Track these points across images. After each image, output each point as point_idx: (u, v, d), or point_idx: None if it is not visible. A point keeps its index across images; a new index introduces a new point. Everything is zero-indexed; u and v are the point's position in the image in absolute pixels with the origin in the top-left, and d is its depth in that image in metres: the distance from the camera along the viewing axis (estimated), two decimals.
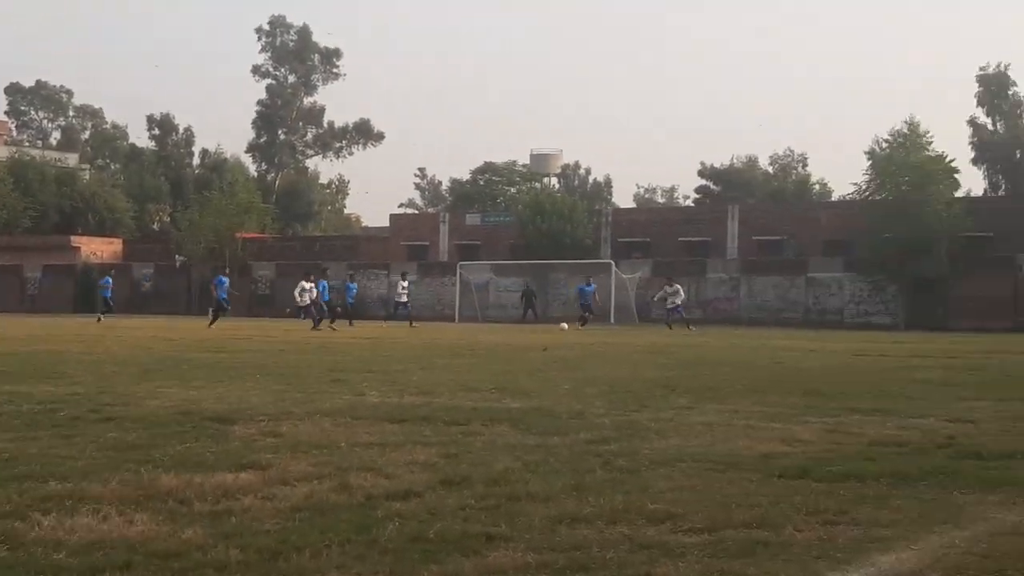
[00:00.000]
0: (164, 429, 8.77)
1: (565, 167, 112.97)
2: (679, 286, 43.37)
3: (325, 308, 39.18)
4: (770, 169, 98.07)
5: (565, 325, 39.78)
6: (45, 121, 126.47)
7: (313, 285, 38.37)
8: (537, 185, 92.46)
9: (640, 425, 9.45)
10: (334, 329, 35.63)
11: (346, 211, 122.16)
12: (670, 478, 6.87)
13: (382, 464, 7.14)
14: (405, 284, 45.59)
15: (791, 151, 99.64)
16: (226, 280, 40.75)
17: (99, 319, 42.79)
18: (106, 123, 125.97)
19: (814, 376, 16.06)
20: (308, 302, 37.89)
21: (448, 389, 12.83)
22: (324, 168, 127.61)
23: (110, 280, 49.09)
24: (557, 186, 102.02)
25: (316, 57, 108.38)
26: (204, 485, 6.27)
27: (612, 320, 50.42)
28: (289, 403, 10.86)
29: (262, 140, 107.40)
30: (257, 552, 4.85)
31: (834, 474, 6.99)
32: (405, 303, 44.28)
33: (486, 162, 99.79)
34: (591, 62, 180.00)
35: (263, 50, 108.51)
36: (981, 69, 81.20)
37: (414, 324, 42.10)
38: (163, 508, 5.72)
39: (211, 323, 36.53)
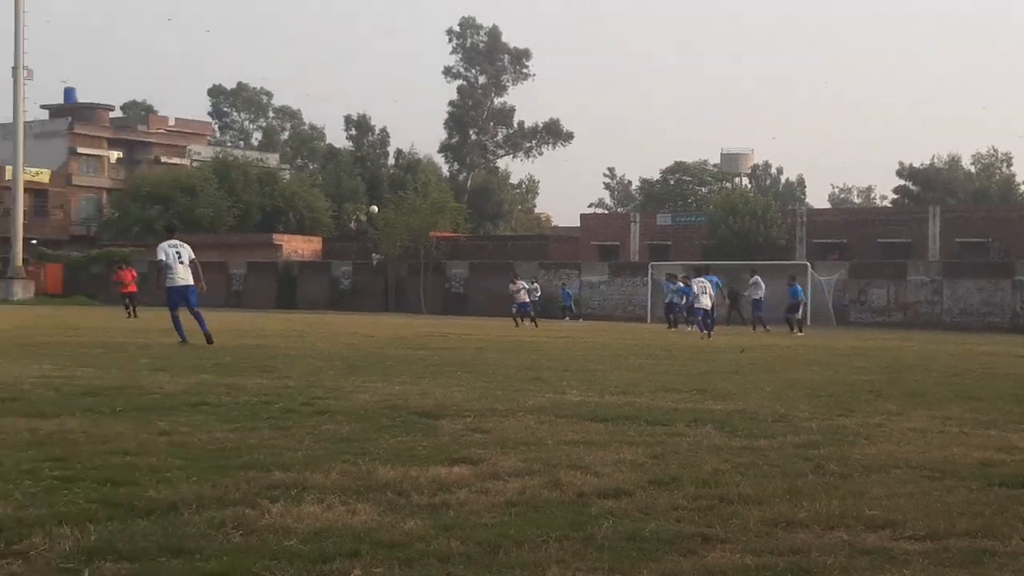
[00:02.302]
0: (375, 423, 8.99)
1: (756, 167, 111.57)
2: (758, 277, 40.19)
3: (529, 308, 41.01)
4: (972, 169, 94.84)
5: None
6: (246, 122, 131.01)
7: (524, 284, 40.88)
8: (728, 185, 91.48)
9: (848, 430, 9.26)
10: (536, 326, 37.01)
11: (536, 210, 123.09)
12: (885, 484, 6.72)
13: (590, 462, 7.18)
14: (524, 285, 44.24)
15: (995, 150, 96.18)
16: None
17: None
18: (304, 124, 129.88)
19: None
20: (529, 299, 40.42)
21: (648, 389, 12.80)
22: (515, 168, 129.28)
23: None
24: (748, 186, 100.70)
25: (506, 58, 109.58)
26: (420, 478, 6.41)
27: (808, 322, 49.47)
28: (492, 400, 11.00)
29: (454, 140, 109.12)
30: (477, 544, 4.94)
31: None
32: (525, 303, 43.31)
33: (676, 162, 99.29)
34: (783, 60, 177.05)
35: (454, 51, 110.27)
36: None
37: (528, 323, 41.37)
38: (383, 499, 5.88)
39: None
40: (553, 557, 4.79)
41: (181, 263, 20.80)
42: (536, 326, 39.65)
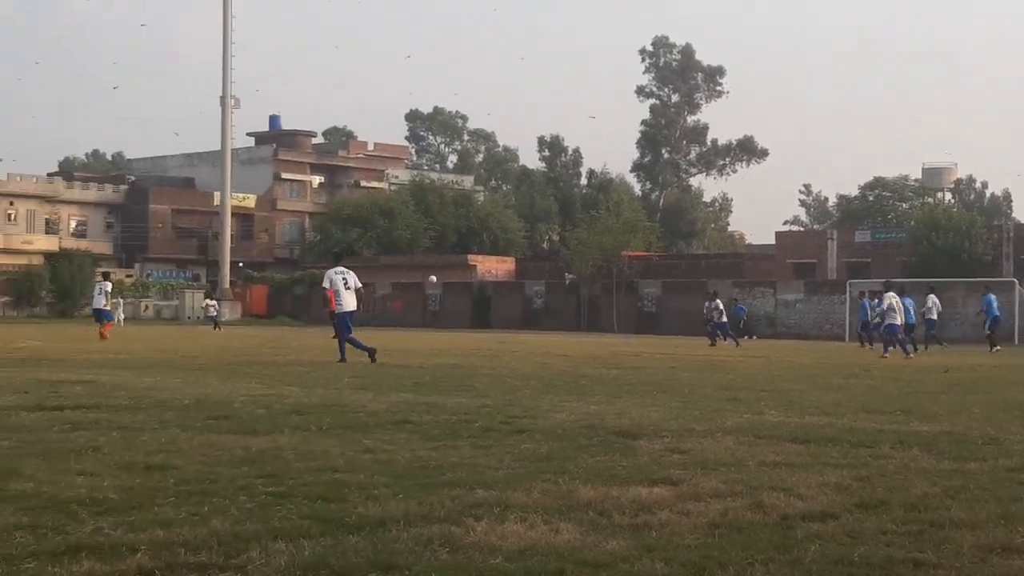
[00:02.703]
0: (573, 442, 9.03)
1: (959, 181, 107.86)
2: (934, 296, 38.81)
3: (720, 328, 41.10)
4: None
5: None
6: (442, 145, 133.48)
7: (719, 304, 41.01)
8: (930, 200, 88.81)
9: None
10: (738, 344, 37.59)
11: (730, 228, 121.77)
12: None
13: (793, 484, 7.06)
14: (720, 304, 43.18)
15: None
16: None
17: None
18: (498, 146, 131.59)
19: None
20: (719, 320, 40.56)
21: (849, 410, 12.51)
22: (707, 186, 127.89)
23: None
24: (951, 201, 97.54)
25: (699, 76, 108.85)
26: (620, 498, 6.42)
27: (1016, 341, 47.60)
28: (689, 420, 10.92)
29: (646, 159, 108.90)
30: (681, 566, 4.92)
31: None
32: (723, 323, 42.50)
33: (876, 177, 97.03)
34: (986, 73, 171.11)
35: (647, 71, 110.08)
36: None
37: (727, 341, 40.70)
38: (584, 519, 5.90)
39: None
40: None
41: (347, 289, 21.58)
42: (737, 345, 39.18)
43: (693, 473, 7.44)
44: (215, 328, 52.93)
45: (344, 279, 21.55)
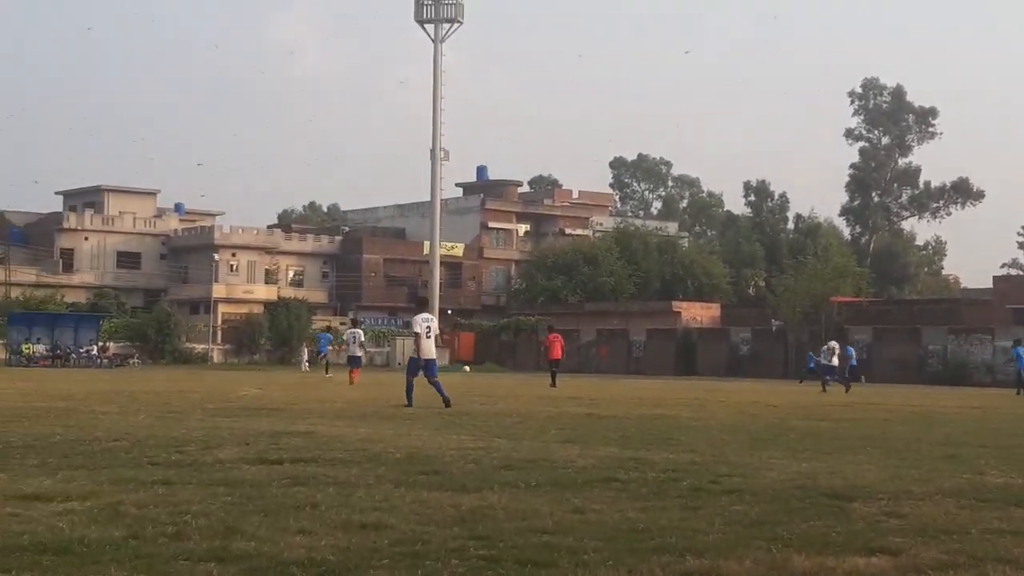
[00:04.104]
0: (784, 504, 8.84)
1: None
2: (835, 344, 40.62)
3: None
4: None
5: None
6: (646, 192, 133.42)
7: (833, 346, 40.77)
8: None
9: None
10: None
11: (944, 272, 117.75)
12: None
13: (1020, 555, 6.76)
14: (834, 347, 41.67)
15: None
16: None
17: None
18: (703, 192, 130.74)
19: None
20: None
21: None
22: (920, 229, 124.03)
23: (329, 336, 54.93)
24: None
25: (911, 117, 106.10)
26: (837, 569, 6.26)
27: None
28: (907, 480, 10.57)
29: (855, 203, 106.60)
30: None
31: None
32: (835, 366, 41.00)
33: None
34: None
35: (856, 113, 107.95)
36: None
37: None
38: None
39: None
40: None
41: (429, 337, 21.94)
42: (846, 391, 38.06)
43: (912, 541, 7.20)
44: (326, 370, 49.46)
45: (428, 327, 22.02)
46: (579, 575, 5.93)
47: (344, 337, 42.67)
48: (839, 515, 8.37)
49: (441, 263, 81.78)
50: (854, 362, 40.64)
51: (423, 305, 24.28)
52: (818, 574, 6.12)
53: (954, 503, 9.05)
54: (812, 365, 49.46)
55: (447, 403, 21.10)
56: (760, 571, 6.19)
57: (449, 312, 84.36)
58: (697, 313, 78.78)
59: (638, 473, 10.68)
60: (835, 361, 40.44)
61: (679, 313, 77.43)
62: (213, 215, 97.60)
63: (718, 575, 6.04)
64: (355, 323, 41.74)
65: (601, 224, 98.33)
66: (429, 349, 21.96)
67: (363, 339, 39.58)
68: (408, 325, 23.16)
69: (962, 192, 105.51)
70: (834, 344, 41.37)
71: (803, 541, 7.14)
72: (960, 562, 6.56)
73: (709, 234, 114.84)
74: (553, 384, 36.77)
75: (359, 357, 38.09)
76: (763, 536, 7.28)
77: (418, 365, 21.95)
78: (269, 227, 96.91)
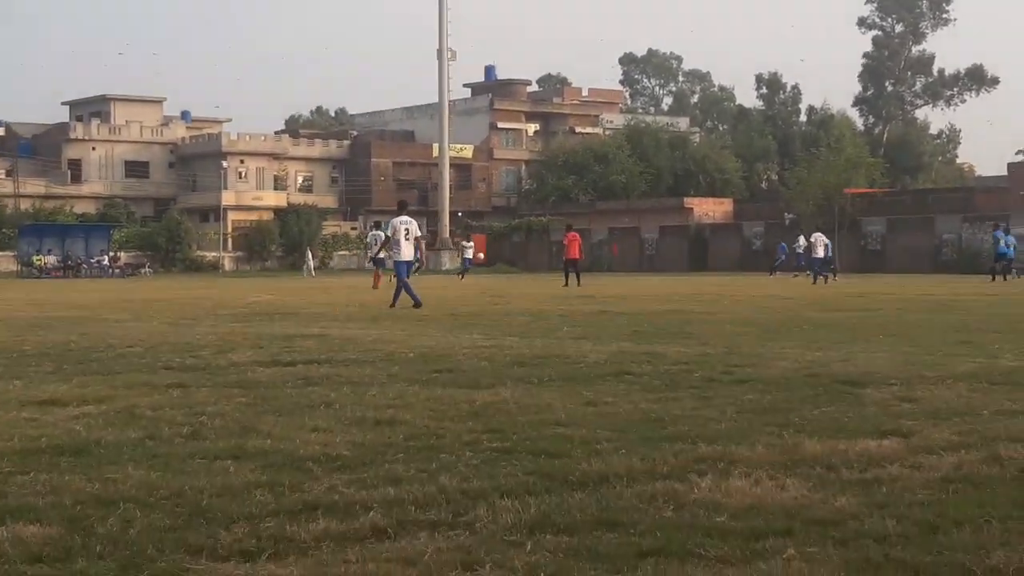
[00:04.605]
0: (796, 392, 8.86)
1: None
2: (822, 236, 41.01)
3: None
4: None
5: None
6: (656, 88, 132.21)
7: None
8: None
9: None
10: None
11: (958, 161, 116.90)
12: None
13: None
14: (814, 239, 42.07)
15: None
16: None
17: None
18: (714, 86, 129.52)
19: None
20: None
21: None
22: (934, 118, 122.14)
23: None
24: None
25: (924, 4, 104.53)
26: (848, 452, 6.27)
27: None
28: (919, 366, 10.58)
29: (869, 93, 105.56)
30: (914, 524, 4.77)
31: None
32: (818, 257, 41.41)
33: None
34: None
35: (869, 1, 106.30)
36: None
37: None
38: (811, 474, 5.78)
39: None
40: (998, 539, 4.55)
41: (407, 240, 22.39)
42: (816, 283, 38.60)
43: (924, 424, 7.21)
44: (461, 277, 48.87)
45: (407, 229, 22.43)
46: (592, 464, 5.94)
47: (368, 240, 42.81)
48: (851, 401, 8.38)
49: (451, 165, 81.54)
50: (823, 255, 40.95)
51: (403, 208, 24.44)
52: (829, 457, 6.13)
53: (966, 387, 9.06)
54: (783, 257, 49.76)
55: (417, 303, 21.36)
56: (771, 456, 6.21)
57: (460, 214, 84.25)
58: (709, 209, 78.54)
59: (650, 366, 10.70)
60: (820, 252, 40.71)
61: (691, 209, 77.21)
62: (220, 122, 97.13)
63: (730, 460, 6.06)
64: (376, 226, 41.86)
65: (611, 122, 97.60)
66: (408, 252, 22.45)
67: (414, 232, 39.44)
68: (386, 228, 23.46)
69: (976, 79, 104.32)
70: (820, 236, 41.55)
71: (815, 426, 7.15)
72: (971, 442, 6.57)
73: (721, 129, 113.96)
74: (567, 284, 36.27)
75: (382, 259, 37.77)
76: (775, 423, 7.29)
77: (405, 267, 22.38)
78: (277, 133, 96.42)
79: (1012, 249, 41.80)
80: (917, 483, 5.59)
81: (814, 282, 38.83)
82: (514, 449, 6.46)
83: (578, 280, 36.83)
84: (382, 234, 38.70)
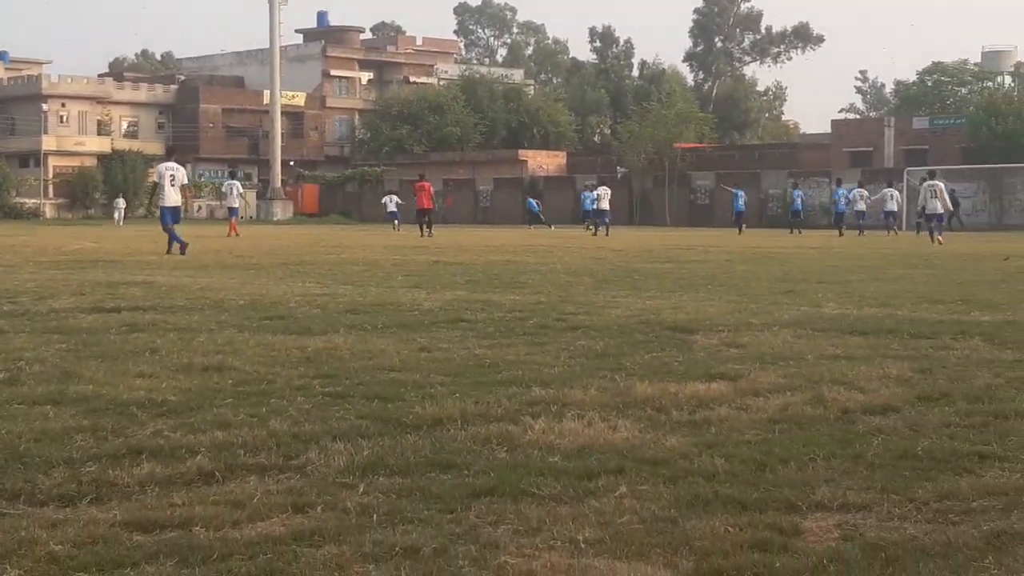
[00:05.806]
0: (628, 338, 8.97)
1: (1020, 64, 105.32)
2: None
3: None
4: None
5: None
6: (491, 39, 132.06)
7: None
8: (990, 85, 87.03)
9: None
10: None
11: (784, 118, 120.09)
12: None
13: (853, 378, 6.97)
14: (599, 193, 43.98)
15: None
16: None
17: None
18: (548, 39, 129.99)
19: None
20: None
21: (909, 301, 12.36)
22: (762, 75, 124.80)
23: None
24: (1012, 85, 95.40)
25: None
26: (678, 394, 6.36)
27: None
28: (746, 314, 10.82)
29: (699, 49, 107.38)
30: (742, 463, 4.86)
31: None
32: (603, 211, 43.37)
33: (934, 62, 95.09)
34: None
35: None
36: None
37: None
38: (642, 415, 5.86)
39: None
40: (822, 476, 4.67)
41: (172, 186, 22.59)
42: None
43: (751, 368, 7.37)
44: (395, 228, 46.69)
45: (172, 175, 22.61)
46: (426, 407, 5.90)
47: (223, 188, 42.85)
48: (681, 347, 8.52)
49: (282, 113, 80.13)
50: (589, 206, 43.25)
51: (170, 154, 24.75)
52: (660, 399, 6.21)
53: (791, 333, 9.29)
54: (587, 207, 49.37)
55: (183, 249, 21.56)
56: (604, 398, 6.26)
57: (292, 164, 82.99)
58: (543, 161, 79.01)
59: (485, 314, 10.70)
60: (605, 205, 43.09)
61: (525, 162, 77.56)
62: (40, 63, 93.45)
63: (563, 403, 6.08)
64: (232, 175, 41.53)
65: (446, 72, 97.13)
66: (171, 197, 22.52)
67: (241, 190, 39.71)
68: (156, 175, 23.50)
69: (802, 37, 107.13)
70: (606, 189, 44.05)
71: (646, 370, 7.25)
72: (796, 384, 6.74)
73: (555, 81, 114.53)
74: (423, 234, 36.00)
75: (237, 208, 38.01)
76: (607, 367, 7.37)
77: (169, 213, 22.44)
78: (100, 76, 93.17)
79: (845, 204, 43.59)
80: (745, 424, 5.70)
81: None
82: (347, 394, 6.38)
83: (430, 230, 36.75)
84: (237, 183, 38.76)
